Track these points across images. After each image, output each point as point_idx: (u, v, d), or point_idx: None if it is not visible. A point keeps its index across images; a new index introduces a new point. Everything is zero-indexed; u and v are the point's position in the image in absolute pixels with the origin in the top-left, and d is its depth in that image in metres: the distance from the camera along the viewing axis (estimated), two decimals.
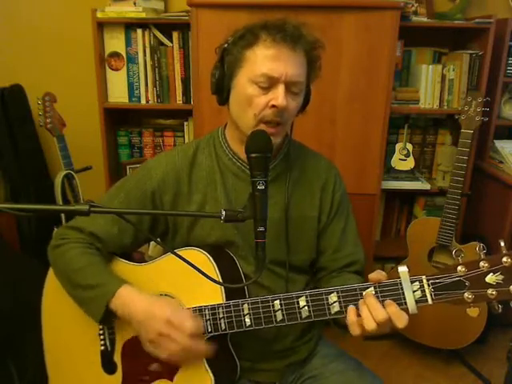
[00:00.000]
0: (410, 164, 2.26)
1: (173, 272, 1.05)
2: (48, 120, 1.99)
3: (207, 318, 1.01)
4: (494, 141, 2.21)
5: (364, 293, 0.91)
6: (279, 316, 0.97)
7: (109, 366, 1.11)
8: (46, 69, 2.30)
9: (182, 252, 0.99)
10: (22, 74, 2.27)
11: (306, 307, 0.95)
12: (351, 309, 0.91)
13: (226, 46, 1.03)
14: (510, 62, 2.11)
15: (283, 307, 0.96)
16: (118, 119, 2.28)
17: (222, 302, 1.01)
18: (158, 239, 1.15)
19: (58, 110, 2.03)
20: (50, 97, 2.00)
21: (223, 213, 0.89)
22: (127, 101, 2.18)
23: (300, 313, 0.96)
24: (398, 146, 2.27)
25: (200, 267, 0.91)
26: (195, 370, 1.03)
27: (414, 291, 0.88)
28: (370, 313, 0.88)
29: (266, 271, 1.08)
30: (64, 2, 2.24)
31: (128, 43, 2.11)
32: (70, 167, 2.04)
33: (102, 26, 2.08)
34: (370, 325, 0.88)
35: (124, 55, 2.13)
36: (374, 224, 2.11)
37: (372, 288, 0.91)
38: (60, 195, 2.02)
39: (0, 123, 2.10)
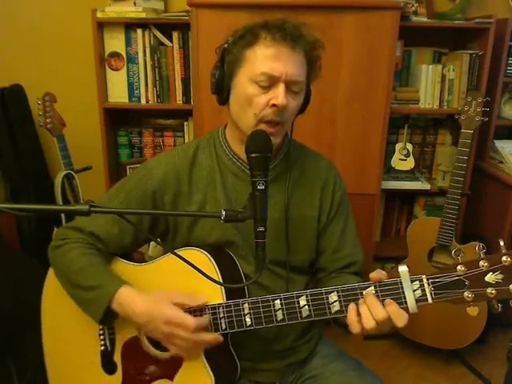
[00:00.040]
0: (410, 164, 2.26)
1: (173, 272, 1.05)
2: (48, 120, 1.99)
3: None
4: (494, 141, 2.21)
5: (364, 292, 0.91)
6: (280, 315, 0.97)
7: (109, 366, 1.11)
8: (46, 69, 2.30)
9: (182, 252, 0.99)
10: (22, 74, 2.27)
11: (307, 306, 0.95)
12: (351, 307, 0.92)
13: (226, 45, 1.03)
14: (510, 61, 2.11)
15: (284, 307, 0.97)
16: (117, 119, 2.28)
17: (222, 302, 1.01)
18: (158, 239, 1.15)
19: (58, 110, 2.04)
20: (50, 97, 2.01)
21: (223, 213, 0.89)
22: (127, 101, 2.18)
23: (300, 312, 0.96)
24: (398, 146, 2.27)
25: (200, 267, 0.91)
26: (195, 370, 1.03)
27: (414, 290, 0.88)
28: (369, 312, 0.89)
29: (265, 271, 1.08)
30: (64, 2, 2.24)
31: (128, 43, 2.11)
32: (70, 167, 2.04)
33: (102, 26, 2.08)
34: (370, 324, 0.88)
35: (124, 55, 2.13)
36: (373, 224, 2.11)
37: (372, 287, 0.91)
38: (60, 195, 2.02)
39: (0, 123, 2.10)
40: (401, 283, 0.89)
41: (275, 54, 0.97)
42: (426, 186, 2.21)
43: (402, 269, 0.89)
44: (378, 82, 1.90)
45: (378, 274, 0.91)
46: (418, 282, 0.88)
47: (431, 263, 2.02)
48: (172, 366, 1.05)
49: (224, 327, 1.00)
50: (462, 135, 1.91)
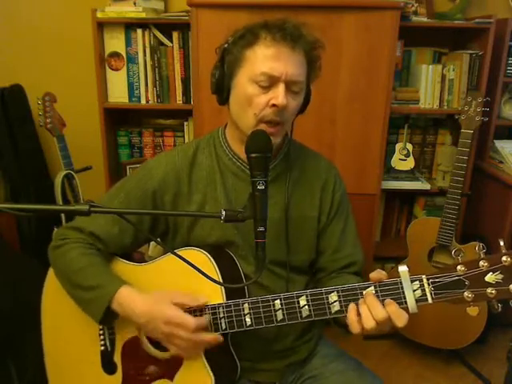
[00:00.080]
0: (410, 164, 2.26)
1: (173, 272, 1.05)
2: (48, 120, 1.99)
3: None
4: (494, 141, 2.21)
5: (364, 292, 0.91)
6: (280, 315, 0.97)
7: (109, 367, 1.11)
8: (46, 69, 2.30)
9: (182, 252, 0.99)
10: (22, 74, 2.27)
11: (307, 306, 0.95)
12: (351, 307, 0.92)
13: (226, 45, 1.03)
14: (510, 61, 2.11)
15: (284, 306, 0.97)
16: (118, 119, 2.28)
17: (222, 302, 1.01)
18: (158, 239, 1.15)
19: (58, 110, 2.04)
20: (50, 97, 2.01)
21: (223, 213, 0.89)
22: (127, 101, 2.18)
23: (300, 312, 0.96)
24: (398, 146, 2.27)
25: (200, 267, 0.91)
26: (195, 370, 1.03)
27: (414, 290, 0.88)
28: (369, 312, 0.89)
29: (265, 271, 1.08)
30: (64, 2, 2.24)
31: (128, 43, 2.11)
32: (69, 167, 2.04)
33: (102, 26, 2.08)
34: (370, 324, 0.88)
35: (124, 55, 2.13)
36: (373, 224, 2.11)
37: (372, 287, 0.91)
38: (60, 195, 2.02)
39: (0, 123, 2.10)
40: (401, 283, 0.89)
41: (275, 53, 0.97)
42: (426, 186, 2.21)
43: (402, 269, 0.89)
44: (378, 82, 1.90)
45: (377, 273, 0.91)
46: (417, 282, 0.88)
47: (431, 263, 2.02)
48: (172, 366, 1.05)
49: (224, 327, 1.00)
50: (461, 135, 1.91)
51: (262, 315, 0.98)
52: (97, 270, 1.06)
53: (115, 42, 2.11)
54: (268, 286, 1.10)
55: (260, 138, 0.96)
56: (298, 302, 0.96)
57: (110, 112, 2.17)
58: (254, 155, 0.94)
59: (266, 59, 0.97)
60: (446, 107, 2.16)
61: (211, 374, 1.01)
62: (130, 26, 2.09)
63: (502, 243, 0.85)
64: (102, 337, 1.11)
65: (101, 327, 1.11)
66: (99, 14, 2.01)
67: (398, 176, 2.26)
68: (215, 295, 1.01)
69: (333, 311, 0.94)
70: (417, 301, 0.88)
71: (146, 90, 2.16)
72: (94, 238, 1.09)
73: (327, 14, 1.82)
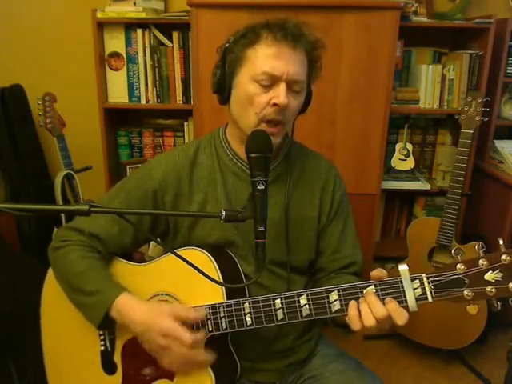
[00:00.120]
0: (410, 164, 2.26)
1: (173, 272, 1.05)
2: (48, 120, 1.99)
3: (208, 317, 1.01)
4: (494, 141, 2.21)
5: (365, 291, 0.91)
6: (280, 315, 0.97)
7: (109, 367, 1.11)
8: (46, 69, 2.30)
9: (183, 252, 0.99)
10: (22, 74, 2.27)
11: (307, 306, 0.95)
12: (352, 305, 0.92)
13: (227, 45, 1.03)
14: (510, 61, 2.11)
15: (284, 306, 0.96)
16: (117, 119, 2.28)
17: (222, 301, 1.01)
18: (158, 239, 1.15)
19: (58, 110, 2.04)
20: (50, 97, 2.01)
21: (223, 213, 0.89)
22: (127, 101, 2.18)
23: (301, 311, 0.96)
24: (398, 146, 2.27)
25: (201, 267, 0.91)
26: (195, 370, 1.03)
27: (414, 289, 0.88)
28: (369, 310, 0.89)
29: (265, 271, 1.08)
30: (64, 2, 2.24)
31: (128, 43, 2.12)
32: (69, 167, 2.04)
33: (102, 26, 2.08)
34: (370, 321, 0.88)
35: (124, 55, 2.13)
36: (373, 224, 2.11)
37: (372, 286, 0.91)
38: (60, 195, 2.02)
39: (0, 123, 2.10)
40: (401, 282, 0.89)
41: (276, 53, 0.97)
42: (426, 186, 2.21)
43: (402, 267, 0.89)
44: (378, 82, 1.90)
45: (378, 272, 0.91)
46: (418, 281, 0.88)
47: (431, 263, 2.02)
48: None
49: (224, 327, 1.00)
50: (461, 135, 1.91)
51: (263, 314, 0.98)
52: (97, 274, 1.05)
53: (115, 42, 2.11)
54: (268, 285, 1.10)
55: (260, 137, 0.96)
56: (299, 301, 0.96)
57: (110, 112, 2.17)
58: (254, 155, 0.94)
59: (267, 58, 0.97)
60: (445, 107, 2.17)
61: (211, 374, 1.01)
62: (129, 25, 2.09)
63: (501, 242, 0.86)
64: (101, 337, 1.11)
65: None
66: (99, 14, 2.01)
67: (398, 176, 2.26)
68: (215, 295, 1.01)
69: (333, 310, 0.94)
70: (417, 299, 0.88)
71: (146, 90, 2.16)
72: (94, 239, 1.09)
73: (327, 13, 1.82)
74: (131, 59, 2.13)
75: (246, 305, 0.99)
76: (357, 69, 1.88)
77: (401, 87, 2.20)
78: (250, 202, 0.93)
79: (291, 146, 1.15)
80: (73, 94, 2.27)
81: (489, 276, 0.85)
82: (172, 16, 2.05)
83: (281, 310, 0.97)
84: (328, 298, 0.94)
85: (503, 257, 0.84)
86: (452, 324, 1.97)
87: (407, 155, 2.26)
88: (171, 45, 2.11)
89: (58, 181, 2.02)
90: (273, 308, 0.97)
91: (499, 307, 0.86)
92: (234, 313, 0.99)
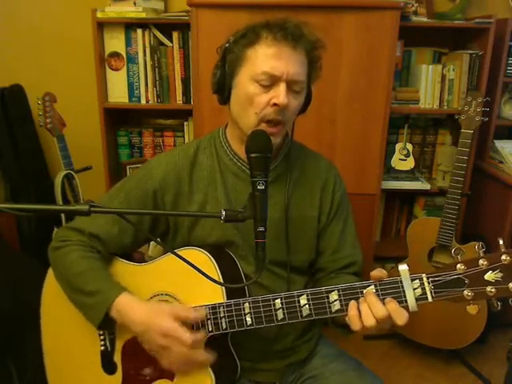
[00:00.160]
0: (410, 164, 2.26)
1: (173, 272, 1.05)
2: (48, 120, 1.99)
3: (208, 317, 1.01)
4: (494, 141, 2.21)
5: (365, 291, 0.91)
6: (280, 315, 0.97)
7: (109, 367, 1.11)
8: (46, 69, 2.30)
9: (183, 252, 0.99)
10: (22, 74, 2.27)
11: (307, 306, 0.95)
12: (352, 304, 0.92)
13: (227, 45, 1.03)
14: (510, 61, 2.11)
15: (284, 306, 0.96)
16: (117, 119, 2.28)
17: (222, 302, 1.01)
18: (158, 239, 1.15)
19: (58, 110, 2.04)
20: (50, 97, 2.01)
21: (223, 213, 0.89)
22: (127, 101, 2.18)
23: (301, 311, 0.96)
24: (398, 146, 2.27)
25: (201, 267, 0.91)
26: (195, 370, 1.03)
27: (414, 289, 0.88)
28: (369, 310, 0.89)
29: (265, 271, 1.08)
30: (64, 2, 2.24)
31: (128, 43, 2.12)
32: (69, 167, 2.04)
33: (102, 26, 2.08)
34: (370, 321, 0.88)
35: (124, 55, 2.13)
36: (373, 224, 2.11)
37: (372, 286, 0.91)
38: (60, 195, 2.02)
39: (0, 123, 2.10)
40: (401, 282, 0.89)
41: (276, 53, 0.97)
42: (426, 186, 2.21)
43: (403, 267, 0.89)
44: (378, 82, 1.90)
45: (378, 272, 0.91)
46: (418, 281, 0.88)
47: (431, 263, 2.02)
48: None
49: (224, 327, 1.00)
50: (461, 135, 1.91)
51: (263, 314, 0.98)
52: (97, 274, 1.05)
53: (115, 42, 2.11)
54: (268, 285, 1.10)
55: (260, 137, 0.96)
56: (299, 301, 0.96)
57: (110, 112, 2.17)
58: (253, 155, 0.94)
59: (267, 58, 0.97)
60: (445, 107, 2.17)
61: (211, 374, 1.01)
62: (129, 25, 2.09)
63: (501, 242, 0.86)
64: (102, 337, 1.11)
65: None
66: (99, 14, 2.01)
67: (398, 176, 2.26)
68: (215, 295, 1.01)
69: (333, 310, 0.94)
70: (417, 299, 0.88)
71: (146, 90, 2.16)
72: (94, 239, 1.09)
73: (327, 13, 1.82)
74: (131, 59, 2.13)
75: (246, 305, 0.99)
76: (357, 69, 1.88)
77: (401, 87, 2.20)
78: (250, 202, 0.93)
79: (291, 145, 1.15)
80: (73, 94, 2.27)
81: (489, 276, 0.85)
82: (172, 16, 2.05)
83: (281, 310, 0.97)
84: (328, 298, 0.94)
85: (503, 257, 0.84)
86: (452, 324, 1.97)
87: (407, 155, 2.26)
88: (171, 45, 2.11)
89: (58, 181, 2.02)
90: (273, 308, 0.97)
91: (499, 307, 0.86)
92: (234, 313, 0.99)
